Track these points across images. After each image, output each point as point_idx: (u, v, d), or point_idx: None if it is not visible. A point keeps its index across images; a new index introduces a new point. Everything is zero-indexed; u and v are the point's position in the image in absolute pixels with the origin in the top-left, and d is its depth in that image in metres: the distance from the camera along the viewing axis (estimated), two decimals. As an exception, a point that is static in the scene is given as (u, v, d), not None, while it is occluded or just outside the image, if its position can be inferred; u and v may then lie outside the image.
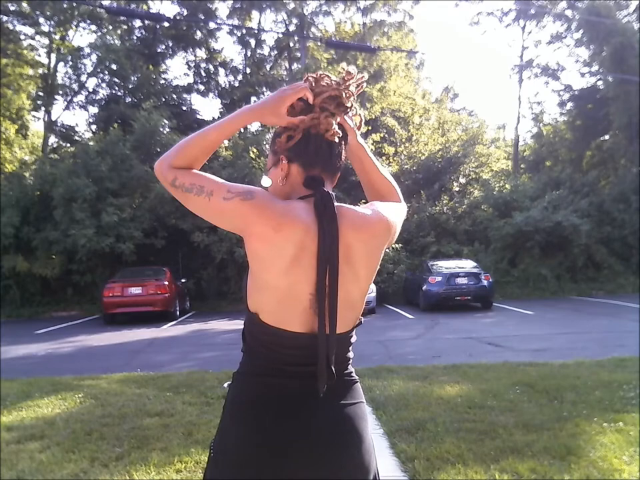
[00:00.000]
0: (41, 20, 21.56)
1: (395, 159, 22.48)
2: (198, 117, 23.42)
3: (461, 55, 62.55)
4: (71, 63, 21.33)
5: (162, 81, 22.79)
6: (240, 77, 24.37)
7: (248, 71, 24.21)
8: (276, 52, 25.54)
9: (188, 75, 24.70)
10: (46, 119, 23.16)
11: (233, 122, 1.32)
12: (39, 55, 23.42)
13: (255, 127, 24.17)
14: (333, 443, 1.24)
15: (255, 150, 17.60)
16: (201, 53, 24.75)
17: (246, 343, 1.33)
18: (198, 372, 6.59)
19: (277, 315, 1.26)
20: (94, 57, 20.88)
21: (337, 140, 1.34)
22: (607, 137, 22.77)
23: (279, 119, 1.30)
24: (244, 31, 23.78)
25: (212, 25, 23.50)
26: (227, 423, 1.29)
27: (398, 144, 23.39)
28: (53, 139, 23.63)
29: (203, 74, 24.65)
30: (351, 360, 1.37)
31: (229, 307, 16.41)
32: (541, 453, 3.50)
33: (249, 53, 24.72)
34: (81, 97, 22.35)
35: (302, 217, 1.24)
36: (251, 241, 1.25)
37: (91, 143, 18.24)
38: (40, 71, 22.95)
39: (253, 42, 24.65)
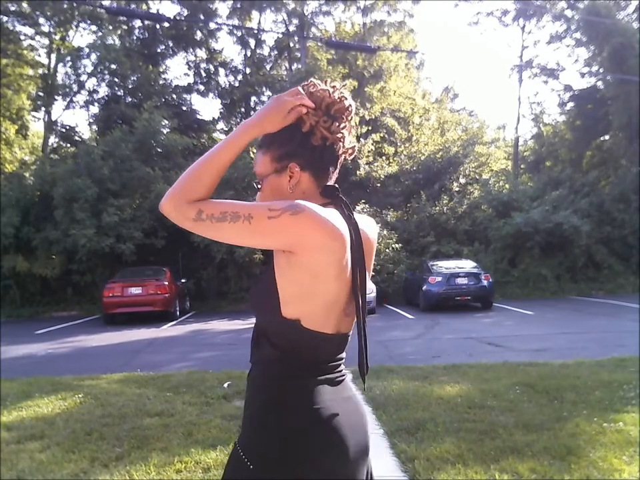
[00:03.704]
0: (41, 20, 21.56)
1: (395, 159, 22.48)
2: (198, 117, 23.42)
3: (460, 55, 62.56)
4: (70, 63, 21.31)
5: (162, 81, 22.78)
6: (240, 77, 24.36)
7: (248, 71, 24.20)
8: (276, 52, 25.54)
9: (188, 75, 24.71)
10: (46, 119, 23.16)
11: (239, 139, 1.30)
12: (39, 55, 23.48)
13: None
14: (368, 428, 1.39)
15: (255, 150, 17.60)
16: (201, 53, 24.75)
17: (277, 349, 1.29)
18: (198, 372, 6.59)
19: (320, 319, 1.28)
20: (94, 57, 20.86)
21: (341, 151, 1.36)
22: (607, 137, 22.76)
23: (281, 127, 1.30)
24: (244, 31, 23.77)
25: (212, 25, 23.49)
26: (306, 429, 1.25)
27: (398, 144, 23.40)
28: (53, 139, 23.63)
29: (203, 74, 24.64)
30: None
31: (229, 307, 16.42)
32: (541, 452, 3.50)
33: (248, 53, 24.72)
34: (81, 97, 22.36)
35: (344, 224, 1.26)
36: (305, 253, 1.22)
37: (93, 144, 18.24)
38: (40, 71, 22.95)
39: (252, 42, 24.66)
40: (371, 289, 13.60)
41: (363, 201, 18.19)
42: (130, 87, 21.43)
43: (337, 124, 1.33)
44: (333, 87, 1.35)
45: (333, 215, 1.25)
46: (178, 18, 22.24)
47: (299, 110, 1.30)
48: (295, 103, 1.29)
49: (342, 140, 1.35)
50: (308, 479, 1.22)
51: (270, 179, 1.33)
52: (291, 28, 24.53)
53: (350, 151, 1.38)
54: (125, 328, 12.23)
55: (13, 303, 16.36)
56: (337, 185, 1.35)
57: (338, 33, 25.07)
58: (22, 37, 21.82)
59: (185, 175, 1.28)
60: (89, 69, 21.31)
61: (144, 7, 22.49)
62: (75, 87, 21.84)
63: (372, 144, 21.25)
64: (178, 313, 14.13)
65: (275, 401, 1.28)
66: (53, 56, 22.99)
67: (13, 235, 16.06)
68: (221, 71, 24.88)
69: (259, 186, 1.35)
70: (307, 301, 1.26)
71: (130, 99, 21.34)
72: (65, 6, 20.67)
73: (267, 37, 25.13)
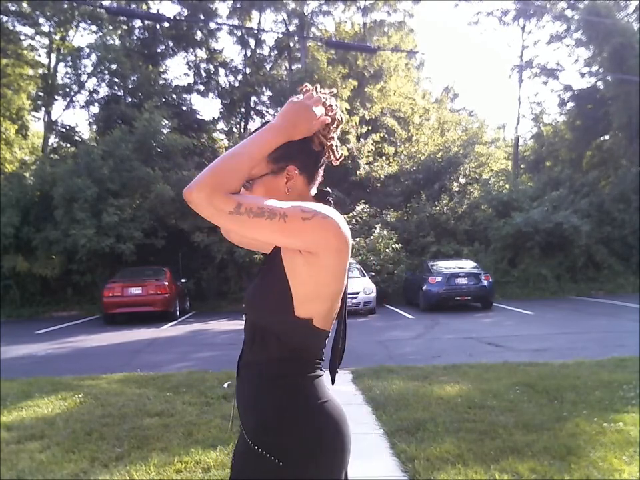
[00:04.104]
0: (41, 20, 21.52)
1: (394, 159, 22.49)
2: (198, 117, 23.39)
3: (460, 55, 62.60)
4: (71, 63, 21.30)
5: (162, 81, 22.76)
6: (240, 77, 24.33)
7: (248, 71, 24.17)
8: (276, 52, 25.51)
9: (188, 75, 24.64)
10: (46, 119, 23.14)
11: (268, 144, 1.29)
12: (39, 55, 23.43)
13: (254, 127, 24.17)
14: None
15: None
16: (201, 53, 24.70)
17: (285, 348, 1.31)
18: (198, 372, 6.59)
19: (327, 319, 1.34)
20: (94, 57, 20.85)
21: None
22: (607, 137, 22.75)
23: (310, 133, 1.35)
24: (244, 31, 23.74)
25: (212, 25, 23.44)
26: (325, 422, 1.29)
27: (398, 144, 23.41)
28: (53, 139, 23.60)
29: (203, 74, 24.60)
30: None
31: (229, 307, 16.41)
32: (541, 452, 3.50)
33: (248, 53, 24.68)
34: (81, 97, 22.31)
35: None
36: (327, 254, 1.26)
37: (93, 144, 18.23)
38: (40, 71, 22.92)
39: (252, 42, 24.62)
40: (371, 289, 13.61)
41: (363, 201, 18.19)
42: (130, 86, 21.41)
43: (332, 132, 1.40)
44: (324, 94, 1.40)
45: (344, 220, 1.31)
46: (178, 18, 22.22)
47: (322, 120, 1.35)
48: (321, 115, 1.35)
49: (335, 147, 1.41)
50: (336, 467, 1.30)
51: (265, 179, 1.34)
52: (291, 28, 24.50)
53: (341, 158, 1.45)
54: (125, 328, 12.23)
55: (12, 303, 16.36)
56: (329, 190, 1.42)
57: (338, 32, 25.06)
58: (22, 37, 21.81)
59: (220, 165, 1.23)
60: (89, 69, 21.30)
61: (144, 7, 22.46)
62: (75, 87, 21.82)
63: (372, 144, 21.25)
64: (178, 312, 14.13)
65: (292, 398, 1.30)
66: (53, 56, 22.97)
67: (13, 235, 16.05)
68: (221, 70, 24.85)
69: (249, 185, 1.34)
70: (321, 300, 1.30)
71: (130, 99, 21.32)
72: (65, 6, 20.65)
73: (267, 37, 25.13)
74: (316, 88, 1.40)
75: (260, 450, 1.27)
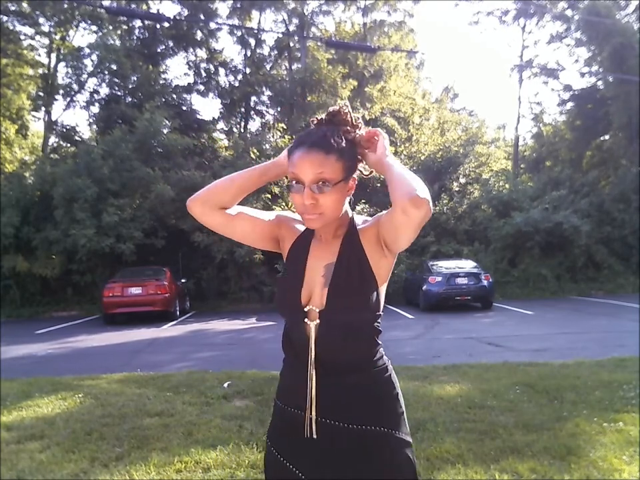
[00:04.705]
0: (41, 20, 21.52)
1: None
2: (198, 116, 23.37)
3: (460, 54, 62.56)
4: (71, 62, 21.29)
5: (162, 81, 22.74)
6: (240, 77, 24.30)
7: (248, 71, 24.14)
8: (276, 52, 25.49)
9: (188, 75, 24.59)
10: (46, 119, 23.13)
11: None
12: (39, 55, 23.42)
13: (254, 126, 24.13)
14: None
15: (255, 151, 17.59)
16: (201, 53, 24.68)
17: (375, 342, 1.49)
18: (198, 372, 6.59)
19: None
20: (94, 57, 20.85)
21: None
22: (607, 136, 22.75)
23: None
24: (244, 31, 23.72)
25: (212, 25, 23.42)
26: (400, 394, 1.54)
27: (398, 144, 23.38)
28: (53, 139, 23.60)
29: (203, 74, 24.57)
30: None
31: (229, 307, 16.42)
32: (541, 452, 3.50)
33: (248, 53, 24.66)
34: (81, 97, 22.29)
35: None
36: (392, 258, 1.48)
37: (93, 144, 18.23)
38: (40, 71, 22.92)
39: (252, 42, 24.60)
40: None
41: (363, 200, 18.18)
42: (130, 86, 21.39)
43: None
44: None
45: None
46: (178, 18, 22.19)
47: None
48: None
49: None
50: None
51: (340, 186, 1.42)
52: (291, 28, 24.50)
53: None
54: (125, 328, 12.23)
55: (12, 303, 16.35)
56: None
57: (338, 32, 25.07)
58: (22, 37, 21.80)
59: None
60: (89, 69, 21.28)
61: (144, 7, 22.44)
62: (75, 87, 21.81)
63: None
64: (178, 312, 14.13)
65: (390, 383, 1.50)
66: (53, 56, 22.97)
67: (13, 235, 16.05)
68: (221, 70, 24.82)
69: (326, 188, 1.40)
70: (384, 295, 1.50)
71: (130, 99, 21.32)
72: (65, 6, 20.64)
73: (267, 37, 25.11)
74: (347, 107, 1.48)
75: (393, 431, 1.46)
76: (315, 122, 1.48)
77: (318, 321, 1.43)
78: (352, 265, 1.44)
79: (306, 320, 1.44)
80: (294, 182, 1.41)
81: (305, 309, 1.45)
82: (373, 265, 1.43)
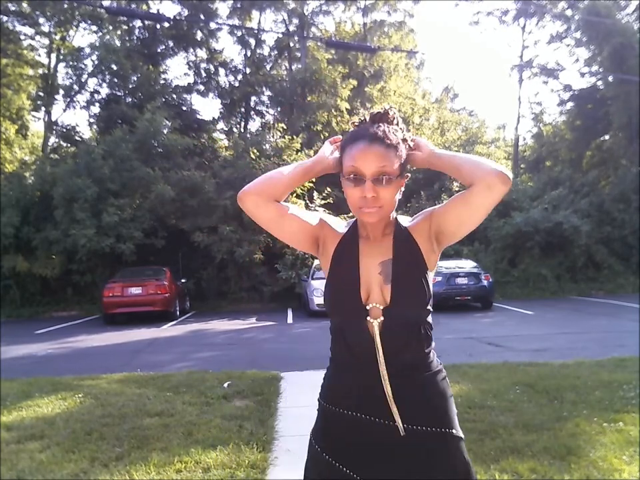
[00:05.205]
0: (41, 20, 21.53)
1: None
2: (198, 116, 23.37)
3: (460, 54, 62.60)
4: (71, 63, 21.29)
5: (162, 81, 22.74)
6: (240, 77, 24.31)
7: (248, 71, 24.15)
8: (276, 52, 25.51)
9: (188, 75, 24.60)
10: (46, 119, 23.15)
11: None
12: (39, 55, 23.44)
13: (254, 126, 24.11)
14: None
15: (255, 151, 17.59)
16: (201, 53, 24.68)
17: (430, 338, 1.54)
18: (198, 372, 6.58)
19: None
20: (94, 57, 20.85)
21: None
22: (607, 136, 22.75)
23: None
24: (244, 31, 23.73)
25: (212, 25, 23.43)
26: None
27: (398, 144, 23.36)
28: (53, 139, 23.61)
29: (203, 74, 24.57)
30: None
31: (229, 307, 16.40)
32: (541, 453, 3.50)
33: (248, 53, 24.67)
34: (81, 97, 22.30)
35: None
36: (439, 254, 1.55)
37: (93, 144, 18.23)
38: (40, 71, 22.93)
39: (253, 42, 24.62)
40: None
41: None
42: (130, 87, 21.39)
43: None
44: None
45: None
46: (178, 18, 22.19)
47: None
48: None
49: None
50: None
51: (397, 181, 1.44)
52: (291, 28, 24.52)
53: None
54: (125, 328, 12.23)
55: (12, 303, 16.35)
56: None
57: (338, 32, 25.07)
58: (22, 37, 21.81)
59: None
60: (89, 69, 21.28)
61: (144, 7, 22.44)
62: (75, 87, 21.81)
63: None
64: (178, 312, 14.13)
65: (446, 384, 1.52)
66: (53, 56, 22.98)
67: (13, 235, 16.04)
68: (221, 70, 24.82)
69: (387, 182, 1.41)
70: None
71: (130, 99, 21.31)
72: (65, 6, 20.65)
73: (267, 37, 25.13)
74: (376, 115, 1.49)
75: (454, 432, 1.45)
76: (365, 119, 1.48)
77: (382, 318, 1.42)
78: (410, 261, 1.46)
79: (368, 318, 1.42)
80: (352, 175, 1.40)
81: (367, 307, 1.43)
82: (429, 258, 1.48)
